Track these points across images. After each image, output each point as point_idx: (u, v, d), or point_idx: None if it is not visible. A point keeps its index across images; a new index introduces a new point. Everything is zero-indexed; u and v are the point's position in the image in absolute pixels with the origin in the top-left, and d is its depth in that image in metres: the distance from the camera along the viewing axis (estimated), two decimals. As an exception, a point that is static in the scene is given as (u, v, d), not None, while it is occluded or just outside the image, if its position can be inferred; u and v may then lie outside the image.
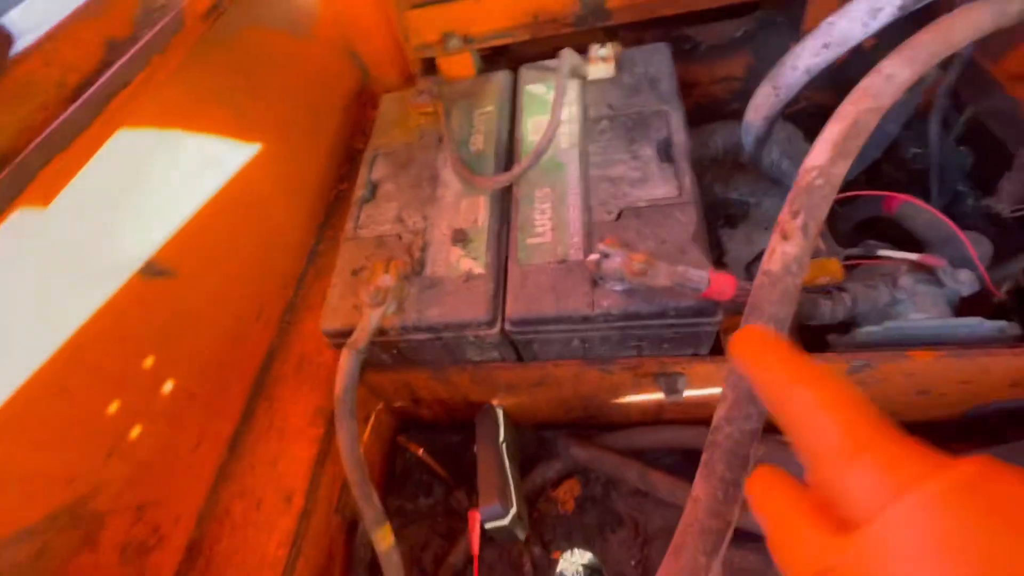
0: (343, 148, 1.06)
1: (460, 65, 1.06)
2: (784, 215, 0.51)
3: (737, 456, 0.44)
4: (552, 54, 1.05)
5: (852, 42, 0.57)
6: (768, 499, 0.27)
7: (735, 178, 1.02)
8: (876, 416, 0.24)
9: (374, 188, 0.82)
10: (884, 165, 1.03)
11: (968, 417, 0.73)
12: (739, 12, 1.05)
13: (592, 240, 0.66)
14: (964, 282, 0.61)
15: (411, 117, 0.88)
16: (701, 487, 0.44)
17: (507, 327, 0.65)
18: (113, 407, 0.59)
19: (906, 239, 0.84)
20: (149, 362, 0.63)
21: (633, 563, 0.76)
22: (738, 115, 1.12)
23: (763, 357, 0.30)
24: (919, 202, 0.67)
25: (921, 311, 0.65)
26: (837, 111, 0.53)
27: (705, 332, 0.63)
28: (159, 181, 0.65)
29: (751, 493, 0.29)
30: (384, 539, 0.63)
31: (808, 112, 1.11)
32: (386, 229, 0.76)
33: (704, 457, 0.45)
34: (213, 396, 0.72)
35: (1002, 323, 0.62)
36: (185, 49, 0.60)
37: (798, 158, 1.00)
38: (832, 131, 0.51)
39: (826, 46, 0.58)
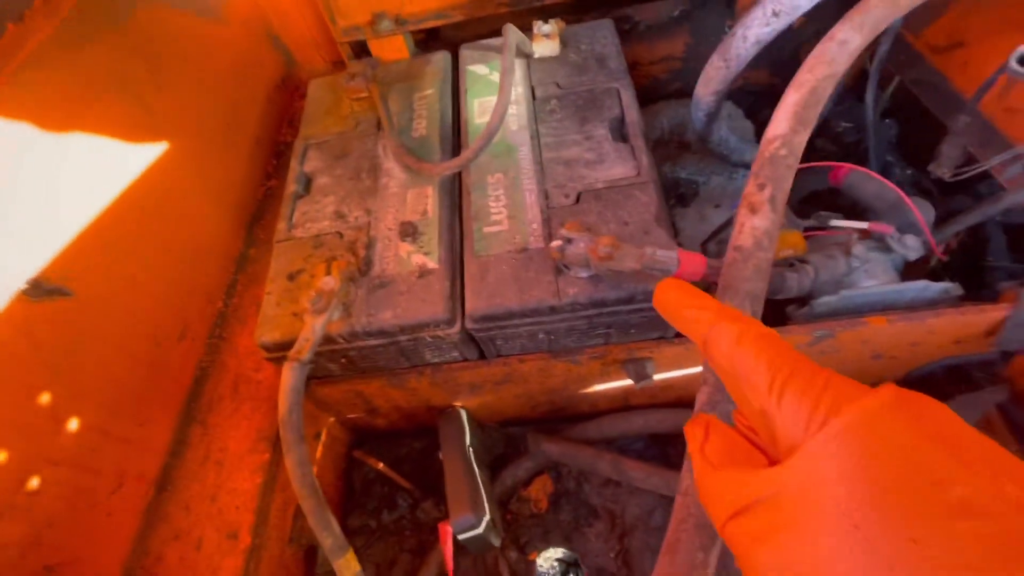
0: (268, 142, 0.97)
1: (392, 49, 0.98)
2: (750, 188, 0.49)
3: (725, 442, 0.42)
4: (486, 36, 1.00)
5: (802, 9, 0.57)
6: (700, 441, 0.27)
7: (682, 158, 1.02)
8: (796, 352, 0.25)
9: (307, 182, 0.74)
10: (818, 140, 1.07)
11: (912, 376, 0.76)
12: (676, -9, 1.05)
13: (552, 226, 0.62)
14: (912, 247, 0.63)
15: (344, 103, 0.81)
16: (690, 479, 0.41)
17: (468, 324, 0.60)
18: None
19: (844, 208, 0.87)
20: (44, 399, 0.53)
21: (612, 555, 0.74)
22: (679, 95, 1.12)
23: (690, 302, 0.30)
24: (865, 170, 0.68)
25: (872, 278, 0.67)
26: (794, 79, 0.51)
27: (673, 314, 0.61)
28: (40, 184, 0.55)
29: (688, 439, 0.29)
30: (348, 568, 0.57)
31: (745, 91, 1.13)
32: (324, 226, 0.69)
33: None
34: (131, 430, 0.62)
35: (946, 284, 0.65)
36: (52, 22, 0.50)
37: (743, 134, 1.01)
38: (791, 100, 0.50)
39: (776, 14, 0.57)
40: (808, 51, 0.52)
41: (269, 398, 0.69)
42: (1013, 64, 0.50)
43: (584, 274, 0.57)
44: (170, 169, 0.73)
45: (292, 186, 0.73)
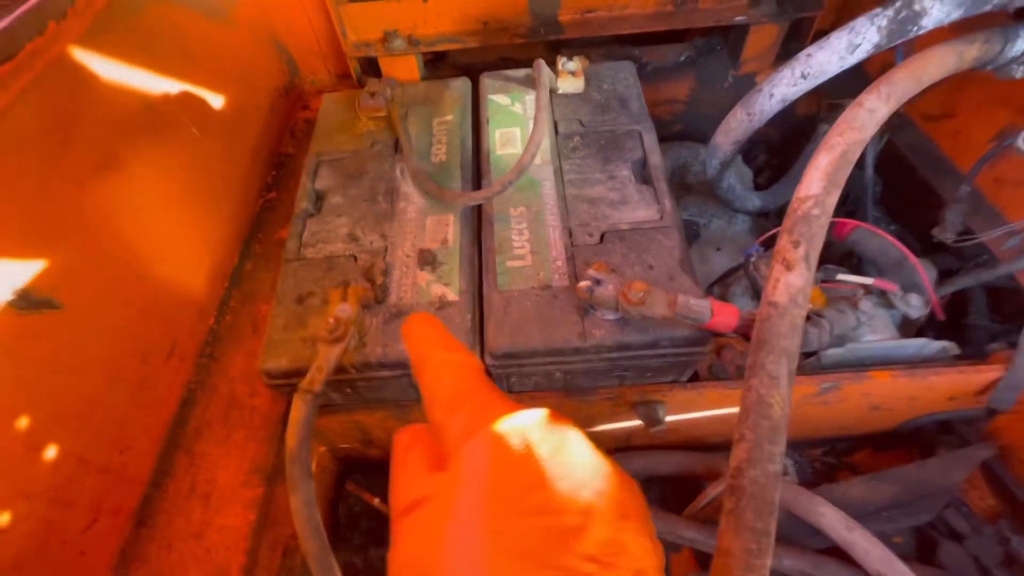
0: (269, 152, 0.93)
1: (403, 69, 0.98)
2: (784, 244, 0.50)
3: (765, 503, 0.41)
4: (495, 64, 1.01)
5: (828, 74, 0.59)
6: (406, 446, 0.31)
7: (684, 199, 1.04)
8: (482, 381, 0.30)
9: (319, 200, 0.71)
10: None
11: (904, 427, 0.78)
12: (683, 37, 1.09)
13: (576, 264, 0.62)
14: (915, 306, 0.65)
15: (360, 121, 0.78)
16: (731, 539, 0.41)
17: (488, 361, 0.58)
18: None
19: (835, 259, 0.91)
20: (22, 424, 0.48)
21: (611, 601, 0.73)
22: (681, 137, 1.15)
23: (421, 333, 0.34)
24: (874, 228, 0.71)
25: (875, 333, 0.69)
26: (825, 141, 0.53)
27: (694, 361, 0.61)
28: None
29: (395, 444, 0.32)
30: (347, 618, 0.53)
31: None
32: (337, 248, 0.66)
33: (729, 505, 0.42)
34: (111, 458, 0.57)
35: (944, 343, 0.68)
36: (85, 20, 0.47)
37: (742, 180, 1.04)
38: (824, 161, 0.52)
39: (804, 76, 0.60)
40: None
41: (264, 426, 0.64)
42: (1020, 143, 0.53)
43: (611, 316, 0.57)
44: (167, 172, 0.69)
45: (303, 203, 0.70)
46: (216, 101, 0.81)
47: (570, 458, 0.25)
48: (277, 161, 0.94)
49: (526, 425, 0.26)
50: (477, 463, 0.25)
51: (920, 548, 0.72)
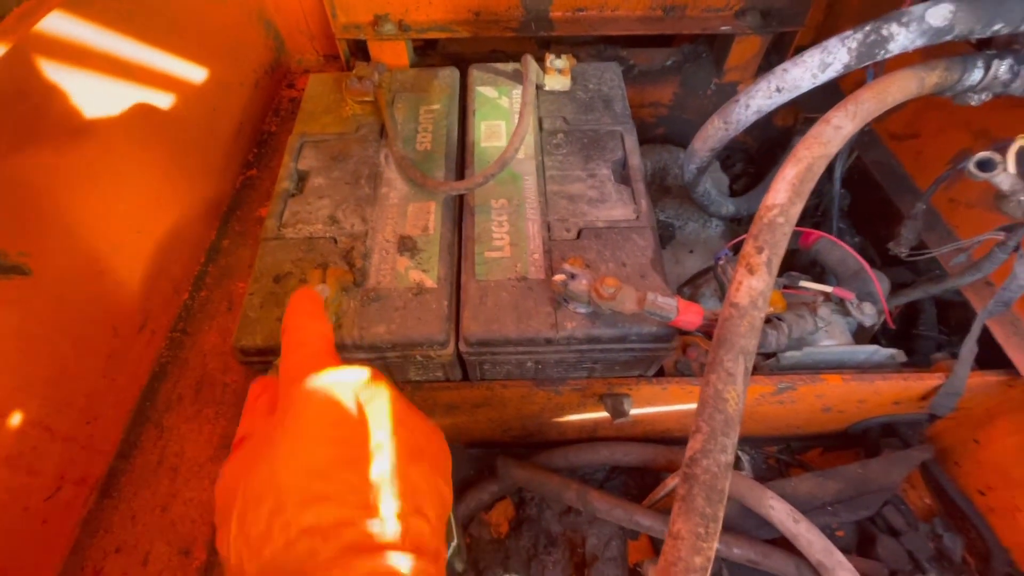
0: (251, 129, 0.92)
1: (392, 54, 0.98)
2: (748, 249, 0.53)
3: (715, 491, 0.44)
4: (484, 56, 1.02)
5: (801, 90, 0.62)
6: (258, 394, 0.36)
7: (662, 200, 1.07)
8: (324, 346, 0.35)
9: (301, 181, 0.71)
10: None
11: (853, 429, 0.83)
12: (670, 43, 1.11)
13: (552, 258, 0.64)
14: (868, 315, 0.69)
15: (346, 104, 0.78)
16: (682, 523, 0.43)
17: (462, 347, 0.60)
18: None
19: (798, 267, 0.95)
20: (-11, 389, 0.48)
21: (569, 584, 0.75)
22: (663, 140, 1.18)
23: (297, 304, 0.39)
24: (835, 239, 0.75)
25: (830, 338, 0.73)
26: (793, 153, 0.56)
27: (660, 356, 0.64)
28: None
29: (250, 392, 0.37)
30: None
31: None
32: (317, 230, 0.66)
33: (681, 491, 0.45)
34: (78, 428, 0.57)
35: (892, 350, 0.72)
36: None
37: (719, 185, 1.07)
38: (790, 173, 0.54)
39: (779, 90, 0.62)
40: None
41: (236, 403, 0.65)
42: (971, 167, 0.57)
43: (583, 310, 0.59)
44: (145, 143, 0.68)
45: (284, 183, 0.70)
46: (200, 74, 0.80)
47: (377, 408, 0.30)
48: (260, 139, 0.94)
49: (344, 379, 0.31)
50: (293, 404, 0.30)
51: (860, 541, 0.77)
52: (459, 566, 0.69)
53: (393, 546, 0.27)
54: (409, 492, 0.28)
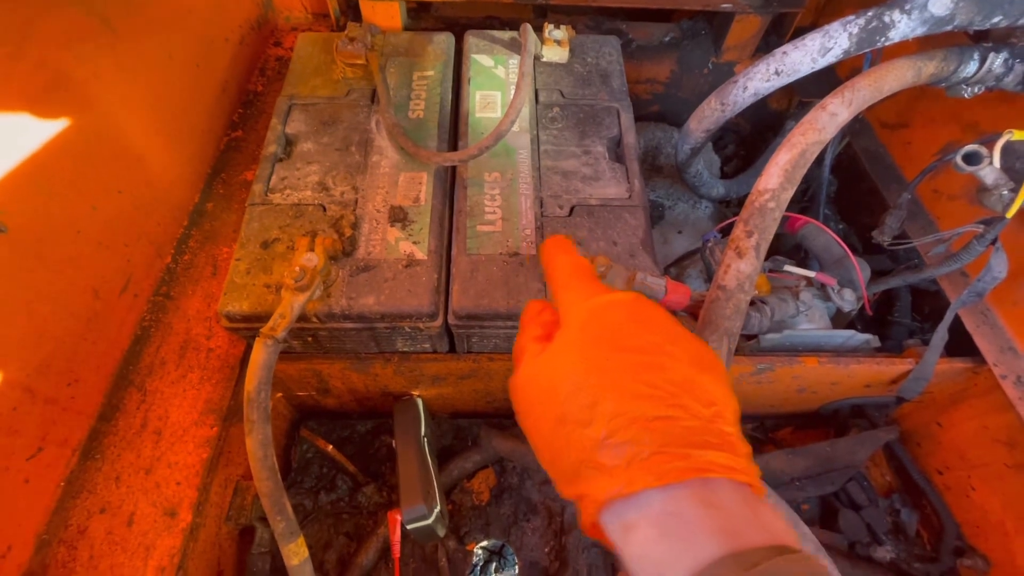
0: (236, 89, 0.89)
1: (385, 15, 0.94)
2: (738, 233, 0.54)
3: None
4: (480, 22, 0.99)
5: (800, 73, 0.62)
6: (529, 310, 0.41)
7: (653, 179, 1.07)
8: (589, 274, 0.40)
9: (289, 145, 0.69)
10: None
11: (825, 409, 0.86)
12: (670, 18, 1.09)
13: (544, 234, 0.64)
14: (848, 301, 0.71)
15: (336, 67, 0.76)
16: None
17: (451, 320, 0.60)
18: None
19: (783, 251, 0.96)
20: (-35, 349, 0.47)
21: (547, 550, 0.78)
22: (657, 118, 1.17)
23: (551, 248, 0.44)
24: (821, 225, 0.76)
25: (810, 322, 0.75)
26: (787, 139, 0.56)
27: (645, 335, 0.65)
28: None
29: (528, 307, 0.42)
30: (297, 553, 0.55)
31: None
32: (306, 196, 0.65)
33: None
34: (59, 390, 0.56)
35: (867, 335, 0.74)
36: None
37: (710, 167, 1.07)
38: (784, 158, 0.55)
39: (777, 73, 0.62)
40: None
41: (221, 368, 0.64)
42: (957, 160, 0.58)
43: (572, 287, 0.59)
44: (125, 101, 0.65)
45: (272, 147, 0.68)
46: (182, 28, 0.77)
47: (655, 324, 0.33)
48: (245, 99, 0.90)
49: (621, 298, 0.35)
50: (584, 320, 0.34)
51: (823, 514, 0.81)
52: (441, 531, 0.71)
53: (713, 444, 0.28)
54: (708, 398, 0.29)
